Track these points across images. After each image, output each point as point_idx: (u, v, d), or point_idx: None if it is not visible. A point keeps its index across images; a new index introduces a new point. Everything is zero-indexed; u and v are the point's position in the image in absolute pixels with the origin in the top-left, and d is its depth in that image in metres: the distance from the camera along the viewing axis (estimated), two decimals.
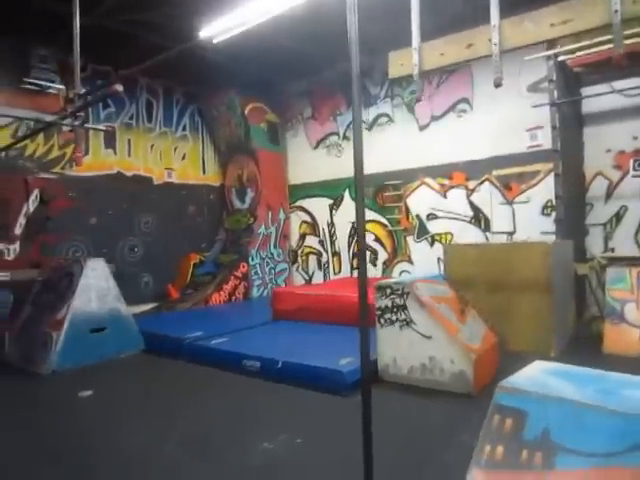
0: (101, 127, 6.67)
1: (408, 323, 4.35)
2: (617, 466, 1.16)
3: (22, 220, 7.44)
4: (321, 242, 10.07)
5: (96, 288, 5.76)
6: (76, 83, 4.58)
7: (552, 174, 6.24)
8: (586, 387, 1.41)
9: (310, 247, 10.28)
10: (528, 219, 7.12)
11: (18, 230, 7.39)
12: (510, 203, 7.36)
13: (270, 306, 7.11)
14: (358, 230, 2.62)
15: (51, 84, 7.79)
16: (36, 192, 7.67)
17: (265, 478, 2.90)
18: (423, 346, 4.26)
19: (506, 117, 7.25)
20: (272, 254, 10.20)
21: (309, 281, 10.24)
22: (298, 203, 10.47)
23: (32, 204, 7.63)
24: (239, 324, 6.69)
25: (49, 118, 5.22)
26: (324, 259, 10.02)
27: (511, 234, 7.35)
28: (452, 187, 8.07)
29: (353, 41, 2.48)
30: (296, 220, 10.53)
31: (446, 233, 8.16)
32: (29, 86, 7.57)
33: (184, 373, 5.26)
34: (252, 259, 9.76)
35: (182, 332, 6.03)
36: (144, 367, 5.58)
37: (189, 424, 3.78)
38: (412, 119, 8.58)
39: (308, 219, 10.31)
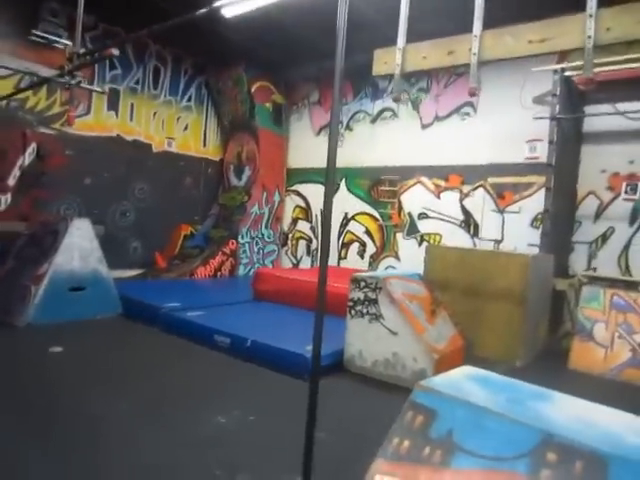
0: (97, 88, 6.64)
1: (377, 317, 4.41)
2: (500, 470, 1.21)
3: (17, 172, 7.45)
4: (312, 228, 10.11)
5: (79, 247, 5.81)
6: (76, 42, 4.57)
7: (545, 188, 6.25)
8: (499, 395, 1.46)
9: (301, 232, 10.32)
10: (517, 229, 7.16)
11: (12, 182, 7.41)
12: (501, 211, 7.39)
13: (252, 285, 7.17)
14: (325, 218, 2.65)
15: (58, 39, 7.73)
16: (33, 146, 7.67)
17: (210, 448, 2.97)
18: (389, 341, 4.33)
19: (508, 126, 7.25)
20: (262, 235, 10.25)
21: (296, 265, 10.31)
22: (294, 187, 10.48)
23: (28, 157, 7.63)
24: (218, 300, 6.76)
25: (44, 73, 5.20)
26: (313, 245, 10.07)
27: (498, 242, 7.39)
28: (447, 189, 8.09)
29: (341, 29, 2.50)
30: (290, 204, 10.56)
31: (435, 234, 8.20)
32: (36, 38, 7.51)
33: (156, 341, 5.33)
34: (242, 237, 9.81)
35: (160, 301, 6.09)
36: (118, 331, 5.65)
37: (149, 389, 3.86)
38: (416, 117, 8.57)
39: (302, 204, 10.34)
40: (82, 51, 4.57)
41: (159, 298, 6.30)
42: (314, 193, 10.10)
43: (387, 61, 3.60)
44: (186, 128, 10.02)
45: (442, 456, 1.33)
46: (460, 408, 1.38)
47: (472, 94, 3.37)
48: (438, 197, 8.20)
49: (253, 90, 9.92)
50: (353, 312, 4.53)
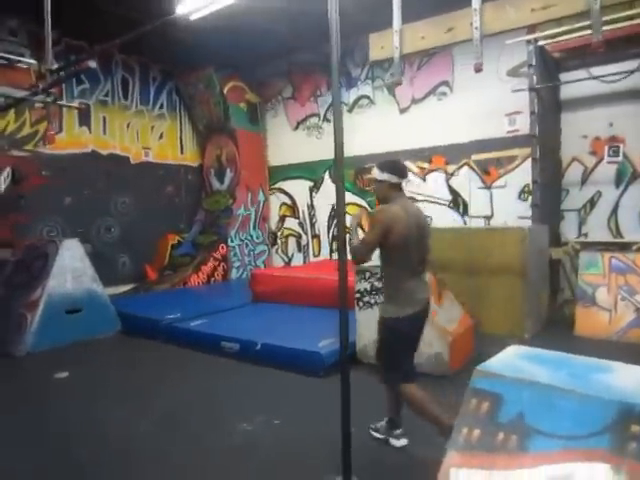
0: (74, 104, 6.47)
1: None
2: (581, 448, 1.20)
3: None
4: (301, 224, 10.05)
5: (71, 269, 5.66)
6: (48, 58, 4.41)
7: (529, 159, 6.31)
8: (558, 371, 1.45)
9: (290, 229, 10.26)
10: (505, 204, 7.23)
11: None
12: (488, 187, 7.45)
13: (249, 288, 7.10)
14: (338, 213, 2.61)
15: (21, 58, 7.48)
16: (7, 170, 7.42)
17: (245, 458, 2.93)
18: None
19: (486, 101, 7.28)
20: (251, 236, 10.15)
21: (288, 263, 10.25)
22: (278, 185, 10.39)
23: (4, 182, 7.39)
24: (217, 306, 6.67)
25: (20, 94, 5.01)
26: (304, 241, 10.02)
27: (489, 218, 7.45)
28: (432, 171, 8.12)
29: (334, 22, 2.45)
30: (276, 202, 10.47)
31: (425, 217, 8.22)
32: None
33: (161, 354, 5.24)
34: (231, 240, 9.70)
35: (160, 313, 5.99)
36: (121, 348, 5.54)
37: (167, 405, 3.79)
38: (393, 101, 8.55)
39: (288, 201, 10.26)
40: (55, 67, 4.40)
41: (158, 311, 6.19)
42: (298, 189, 10.03)
43: (384, 45, 3.55)
44: (161, 136, 9.83)
45: (518, 441, 1.31)
46: (526, 389, 1.37)
47: (478, 70, 3.35)
48: (424, 179, 8.22)
49: (226, 91, 9.77)
50: (361, 304, 4.52)
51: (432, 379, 4.07)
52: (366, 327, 4.49)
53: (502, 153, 7.20)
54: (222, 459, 2.93)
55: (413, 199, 8.21)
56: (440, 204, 8.02)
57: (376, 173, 2.88)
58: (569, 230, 6.69)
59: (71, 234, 7.72)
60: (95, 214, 8.60)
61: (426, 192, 8.18)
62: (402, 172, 2.91)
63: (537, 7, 2.91)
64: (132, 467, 2.86)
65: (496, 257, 5.38)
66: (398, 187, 2.86)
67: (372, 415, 3.24)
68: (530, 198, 6.59)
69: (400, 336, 2.78)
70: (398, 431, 3.00)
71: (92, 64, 3.69)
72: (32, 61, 7.53)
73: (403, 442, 2.97)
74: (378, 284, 4.42)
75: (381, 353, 2.97)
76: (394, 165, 2.96)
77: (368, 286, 4.48)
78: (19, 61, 7.44)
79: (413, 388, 2.80)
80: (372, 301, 4.45)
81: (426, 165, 8.15)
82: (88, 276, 5.80)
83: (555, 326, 5.70)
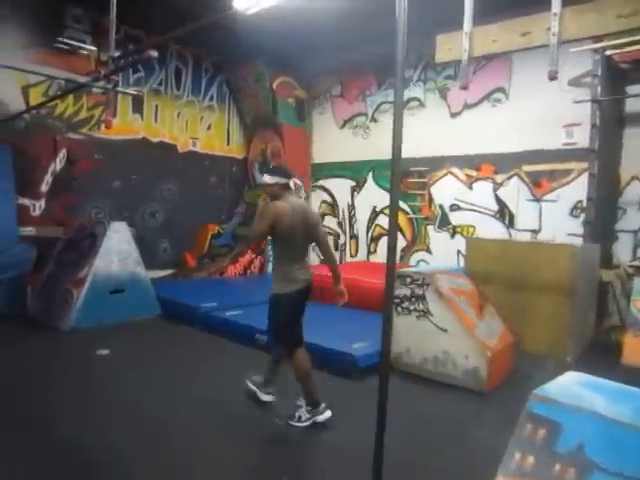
0: (132, 91, 6.63)
1: (425, 314, 4.32)
2: None
3: (49, 178, 7.51)
4: (339, 223, 10.02)
5: (118, 250, 5.83)
6: (111, 46, 4.53)
7: (586, 174, 6.05)
8: (622, 404, 1.36)
9: (328, 227, 10.23)
10: (555, 219, 6.95)
11: (44, 188, 7.46)
12: (538, 200, 7.20)
13: None
14: (390, 218, 2.57)
15: (83, 45, 7.75)
16: (63, 152, 7.72)
17: (277, 452, 2.93)
18: (438, 339, 4.23)
19: (543, 111, 7.02)
20: None
21: (324, 261, 10.23)
22: (320, 182, 10.39)
23: (59, 163, 7.69)
24: (253, 298, 6.69)
25: (80, 79, 5.20)
26: (341, 241, 9.98)
27: (536, 232, 7.20)
28: (479, 179, 7.92)
29: (401, 21, 2.40)
30: (316, 199, 10.47)
31: (468, 225, 8.04)
32: (62, 46, 7.54)
33: (198, 341, 5.33)
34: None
35: (198, 301, 6.09)
36: (160, 332, 5.67)
37: (201, 391, 3.85)
38: (444, 105, 8.39)
39: (328, 199, 10.24)
40: (117, 54, 4.53)
41: (195, 298, 6.30)
42: (340, 188, 9.99)
43: (451, 47, 3.46)
44: (209, 127, 9.99)
45: (576, 474, 1.24)
46: (588, 420, 1.30)
47: (552, 78, 3.21)
48: (470, 187, 8.03)
49: (275, 86, 9.83)
50: (399, 309, 4.44)
51: (466, 393, 3.97)
52: (403, 333, 4.43)
53: (556, 165, 6.93)
54: (254, 451, 2.94)
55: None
56: (485, 214, 7.81)
57: (267, 178, 3.39)
58: (622, 252, 6.37)
59: (117, 217, 7.96)
60: (141, 199, 8.83)
61: (471, 201, 7.99)
62: (288, 174, 3.42)
63: (626, 13, 2.73)
64: (176, 446, 2.90)
65: (543, 273, 5.19)
66: (287, 187, 3.36)
67: (403, 422, 3.17)
68: (582, 215, 6.33)
69: (285, 308, 3.30)
70: (270, 389, 3.61)
71: (153, 53, 3.75)
72: (93, 48, 7.82)
73: (269, 398, 3.59)
74: (419, 291, 4.34)
75: (273, 327, 3.45)
76: (281, 169, 3.57)
77: (408, 292, 4.40)
78: (81, 47, 7.75)
79: (304, 357, 3.37)
80: (412, 307, 4.37)
81: (474, 173, 7.95)
82: (133, 259, 5.96)
83: (599, 351, 5.44)
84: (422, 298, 4.33)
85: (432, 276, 4.33)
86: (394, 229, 2.56)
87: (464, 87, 3.80)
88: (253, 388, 3.60)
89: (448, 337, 4.18)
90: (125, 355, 4.70)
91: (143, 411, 3.43)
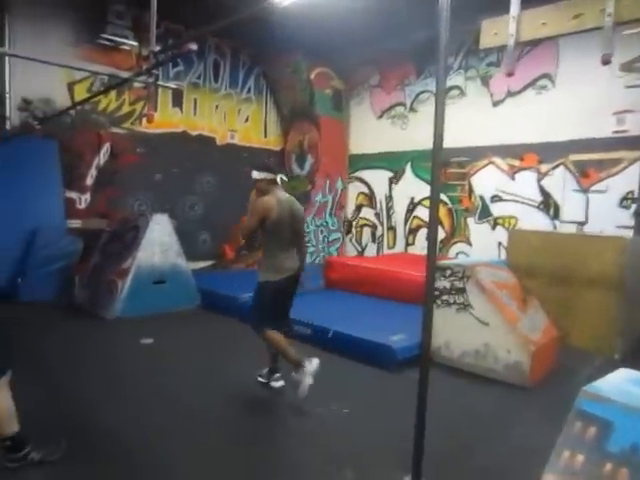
0: (172, 85, 6.77)
1: (465, 307, 4.23)
2: None
3: (94, 172, 7.77)
4: (377, 215, 9.94)
5: (160, 242, 5.98)
6: (152, 40, 4.61)
7: (637, 163, 5.76)
8: None
9: (365, 219, 10.18)
10: (603, 210, 6.66)
11: (89, 181, 7.74)
12: (585, 191, 6.91)
13: (323, 274, 7.14)
14: (431, 210, 2.52)
15: (125, 40, 7.96)
16: (107, 146, 7.97)
17: (316, 443, 2.95)
18: (479, 332, 4.14)
19: (592, 97, 6.72)
20: (327, 222, 10.20)
21: (361, 253, 10.20)
22: (357, 173, 10.33)
23: (103, 157, 7.95)
24: None
25: (123, 74, 5.35)
26: (379, 232, 9.91)
27: (582, 224, 6.92)
28: (522, 169, 7.67)
29: (444, 4, 2.34)
30: (353, 190, 10.42)
31: (510, 217, 7.82)
32: (105, 42, 7.77)
33: (238, 332, 5.37)
34: (307, 226, 9.79)
35: (237, 292, 6.18)
36: (201, 322, 5.79)
37: (241, 381, 3.90)
38: (486, 93, 8.15)
39: (366, 190, 10.17)
40: (157, 49, 4.62)
41: (234, 289, 6.39)
42: (377, 179, 9.90)
43: (497, 32, 3.34)
44: (247, 120, 10.09)
45: (629, 475, 1.19)
46: None
47: (606, 62, 3.06)
48: (512, 178, 7.79)
49: (312, 77, 9.80)
50: (439, 302, 4.37)
51: (507, 388, 3.88)
52: (442, 326, 4.35)
53: (606, 155, 6.62)
54: (294, 440, 2.98)
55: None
56: (528, 205, 7.57)
57: (255, 174, 3.54)
58: None
59: (159, 209, 8.16)
60: (181, 192, 9.02)
61: (513, 191, 7.75)
62: (274, 170, 3.63)
63: None
64: (220, 433, 2.97)
65: (590, 266, 4.99)
66: (274, 182, 3.56)
67: (442, 416, 3.12)
68: (633, 206, 6.03)
69: (269, 295, 3.52)
70: (277, 375, 3.76)
71: (193, 46, 3.81)
72: (134, 43, 8.02)
73: (281, 383, 3.73)
74: (459, 283, 4.26)
75: (253, 310, 3.68)
76: (267, 165, 3.77)
77: (448, 284, 4.32)
78: (123, 43, 7.96)
79: (274, 334, 3.54)
80: (451, 300, 4.30)
81: (516, 163, 7.71)
82: (174, 250, 6.10)
83: None
84: (462, 291, 4.25)
85: (473, 268, 4.24)
86: (435, 221, 2.51)
87: (510, 74, 3.67)
88: (263, 381, 3.78)
89: (489, 330, 4.08)
90: (168, 344, 4.83)
91: (182, 398, 3.52)
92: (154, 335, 4.97)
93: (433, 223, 2.51)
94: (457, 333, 4.29)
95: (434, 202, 2.51)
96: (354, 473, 2.61)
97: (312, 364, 3.48)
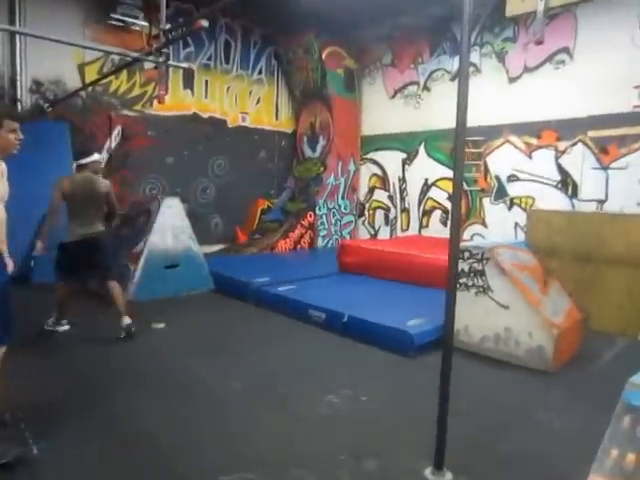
0: (183, 65, 6.63)
1: (485, 290, 4.13)
2: None
3: (105, 155, 7.71)
4: (390, 197, 9.80)
5: (172, 226, 5.92)
6: (162, 19, 4.50)
7: None
8: None
9: (378, 201, 10.05)
10: (624, 187, 6.48)
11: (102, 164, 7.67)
12: (605, 168, 6.71)
13: (337, 258, 7.06)
14: (454, 192, 2.41)
15: (135, 20, 7.82)
16: (118, 128, 7.89)
17: (330, 430, 2.89)
18: (499, 316, 4.04)
19: (612, 71, 6.48)
20: (339, 205, 10.08)
21: (374, 236, 10.09)
22: (370, 155, 10.17)
23: (114, 140, 7.88)
24: (305, 273, 6.71)
25: (133, 54, 5.24)
26: (392, 215, 9.78)
27: (602, 202, 6.74)
28: (539, 147, 7.46)
29: None
30: (366, 172, 10.28)
31: (527, 197, 7.64)
32: (115, 22, 7.63)
33: (251, 316, 5.38)
34: (319, 209, 9.70)
35: (250, 276, 6.13)
36: (214, 306, 5.76)
37: (254, 367, 3.85)
38: (502, 70, 7.91)
39: (379, 172, 10.02)
40: (167, 27, 4.49)
41: (248, 273, 6.35)
42: (390, 160, 9.73)
43: None
44: (258, 101, 9.94)
45: None
46: None
47: None
48: (529, 157, 7.60)
49: (324, 56, 9.59)
50: (457, 285, 4.26)
51: (530, 373, 3.79)
52: (461, 310, 4.23)
53: (627, 130, 6.41)
54: (309, 427, 2.92)
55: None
56: (546, 184, 7.38)
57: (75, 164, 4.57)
58: None
59: (170, 193, 8.13)
60: (193, 175, 8.95)
61: (531, 170, 7.56)
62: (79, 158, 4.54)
63: None
64: (227, 424, 2.94)
65: (613, 247, 4.84)
66: (82, 167, 4.46)
67: (464, 401, 3.05)
68: None
69: (62, 253, 4.32)
70: (63, 321, 4.54)
71: (204, 23, 3.68)
72: (145, 23, 7.86)
73: (66, 327, 4.53)
74: (478, 266, 4.15)
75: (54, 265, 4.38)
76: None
77: (466, 267, 4.21)
78: (134, 23, 7.82)
79: (63, 288, 4.38)
80: (470, 283, 4.19)
81: (534, 141, 7.50)
82: (186, 234, 6.05)
83: None
84: (481, 273, 4.14)
85: (492, 251, 4.12)
86: (457, 203, 2.40)
87: (539, 41, 3.48)
88: (51, 328, 4.45)
89: (510, 314, 3.98)
90: (179, 329, 4.80)
91: (205, 387, 3.49)
92: (166, 320, 4.95)
93: (456, 206, 2.41)
94: (476, 317, 4.19)
95: (457, 183, 2.40)
96: (375, 463, 2.54)
97: (64, 327, 4.47)
